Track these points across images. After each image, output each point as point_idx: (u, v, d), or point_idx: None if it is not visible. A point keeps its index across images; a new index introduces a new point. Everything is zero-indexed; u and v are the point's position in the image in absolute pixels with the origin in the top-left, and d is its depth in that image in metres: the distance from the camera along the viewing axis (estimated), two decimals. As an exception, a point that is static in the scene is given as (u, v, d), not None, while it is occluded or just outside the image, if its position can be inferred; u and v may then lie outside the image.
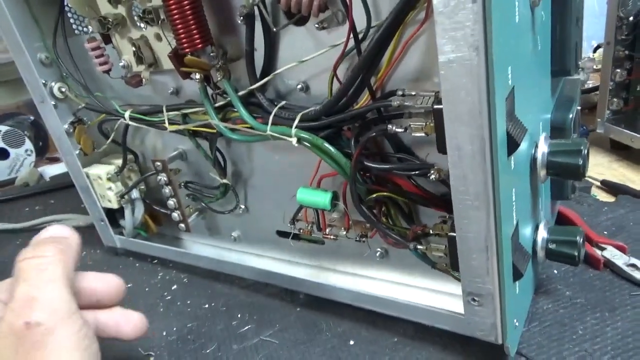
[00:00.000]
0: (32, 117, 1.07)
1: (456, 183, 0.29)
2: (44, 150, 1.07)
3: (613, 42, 0.63)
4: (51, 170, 0.96)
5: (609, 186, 0.58)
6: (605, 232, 0.47)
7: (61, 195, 0.82)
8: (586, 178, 0.61)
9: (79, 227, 0.66)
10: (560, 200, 0.46)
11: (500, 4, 0.25)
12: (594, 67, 1.00)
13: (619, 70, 0.64)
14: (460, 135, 0.27)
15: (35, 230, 0.70)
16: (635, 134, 0.63)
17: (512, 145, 0.28)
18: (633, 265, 0.41)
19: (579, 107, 0.42)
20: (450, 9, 0.24)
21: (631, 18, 0.61)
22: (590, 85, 0.91)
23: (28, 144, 0.98)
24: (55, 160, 1.07)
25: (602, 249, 0.44)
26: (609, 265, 0.42)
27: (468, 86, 0.25)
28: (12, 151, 0.97)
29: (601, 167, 0.64)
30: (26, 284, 0.27)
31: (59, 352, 0.25)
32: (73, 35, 0.52)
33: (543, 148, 0.35)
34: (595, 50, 1.02)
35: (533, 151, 0.35)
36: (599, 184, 0.59)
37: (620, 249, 0.43)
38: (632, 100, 0.65)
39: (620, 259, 0.42)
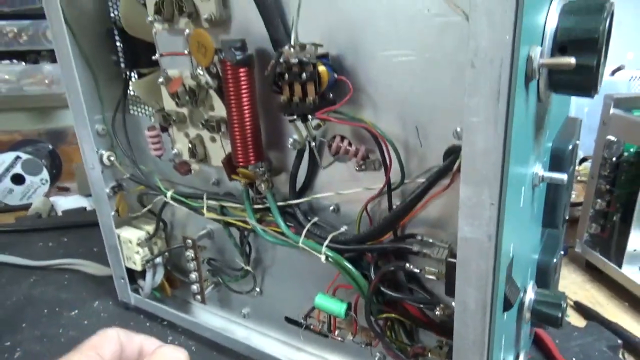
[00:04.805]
0: (51, 146, 1.12)
1: (459, 327, 0.35)
2: (56, 178, 1.11)
3: (597, 176, 0.71)
4: (63, 203, 1.00)
5: (581, 309, 0.65)
6: (574, 359, 0.53)
7: (74, 233, 0.86)
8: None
9: (95, 276, 0.70)
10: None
11: (511, 201, 0.32)
12: (578, 178, 1.09)
13: (599, 200, 0.72)
14: (468, 295, 0.33)
15: (49, 270, 0.75)
16: (607, 261, 0.70)
17: (508, 305, 0.35)
18: (594, 397, 0.47)
19: (562, 252, 0.49)
20: (474, 203, 0.31)
21: (614, 159, 0.69)
22: (573, 197, 0.99)
23: (45, 174, 1.02)
24: (65, 190, 1.11)
25: (570, 376, 0.50)
26: (575, 393, 0.48)
27: (479, 260, 0.32)
28: (29, 178, 1.01)
29: (575, 285, 0.71)
30: None
31: None
32: (128, 112, 0.58)
33: (530, 295, 0.41)
34: (580, 163, 1.11)
35: (522, 295, 0.42)
36: (572, 303, 0.66)
37: (585, 379, 0.49)
38: (609, 228, 0.73)
39: (584, 390, 0.48)
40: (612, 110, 0.68)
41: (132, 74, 0.56)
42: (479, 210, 0.31)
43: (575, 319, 0.62)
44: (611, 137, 0.68)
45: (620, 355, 0.55)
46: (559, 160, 0.42)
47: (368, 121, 0.38)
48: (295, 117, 0.39)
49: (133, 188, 0.59)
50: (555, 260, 0.47)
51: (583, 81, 0.32)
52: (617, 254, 0.70)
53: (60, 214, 0.96)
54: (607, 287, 0.70)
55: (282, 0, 0.40)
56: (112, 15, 0.55)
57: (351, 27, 0.37)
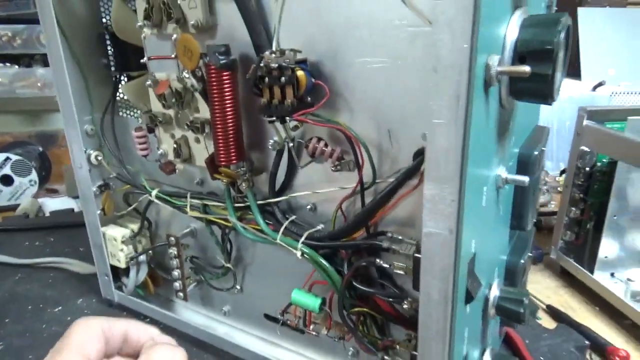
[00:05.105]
0: (41, 149, 1.13)
1: (423, 318, 0.37)
2: (46, 180, 1.12)
3: (571, 185, 0.74)
4: (51, 204, 1.01)
5: (552, 312, 0.67)
6: (542, 358, 0.55)
7: (60, 233, 0.87)
8: (535, 300, 0.70)
9: (79, 275, 0.71)
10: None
11: (471, 199, 0.34)
12: (559, 188, 1.12)
13: (573, 208, 0.74)
14: (431, 287, 0.35)
15: (35, 268, 0.76)
16: (581, 267, 0.72)
17: (469, 297, 0.37)
18: (559, 394, 0.49)
19: (530, 254, 0.51)
20: (436, 200, 0.33)
21: (587, 169, 0.72)
22: (553, 206, 1.02)
23: (34, 175, 1.03)
24: (54, 191, 1.12)
25: (537, 374, 0.52)
26: (541, 390, 0.50)
27: (442, 253, 0.34)
28: (17, 179, 1.02)
29: (549, 290, 0.73)
30: None
31: None
32: (117, 114, 0.60)
33: (495, 292, 0.43)
34: (561, 174, 1.14)
35: (488, 291, 0.44)
36: (544, 306, 0.68)
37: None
38: (582, 236, 0.75)
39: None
40: (585, 122, 0.71)
41: (122, 77, 0.58)
42: (441, 206, 0.33)
43: (546, 322, 0.64)
44: (585, 148, 0.71)
45: (587, 356, 0.57)
46: (524, 164, 0.44)
47: (343, 123, 0.40)
48: (274, 118, 0.41)
49: (119, 187, 0.60)
50: (522, 261, 0.49)
51: (540, 89, 0.35)
52: (590, 261, 0.72)
53: (48, 214, 0.97)
54: (579, 292, 0.72)
55: (265, 8, 0.42)
56: (103, 20, 0.57)
57: (330, 35, 0.40)
